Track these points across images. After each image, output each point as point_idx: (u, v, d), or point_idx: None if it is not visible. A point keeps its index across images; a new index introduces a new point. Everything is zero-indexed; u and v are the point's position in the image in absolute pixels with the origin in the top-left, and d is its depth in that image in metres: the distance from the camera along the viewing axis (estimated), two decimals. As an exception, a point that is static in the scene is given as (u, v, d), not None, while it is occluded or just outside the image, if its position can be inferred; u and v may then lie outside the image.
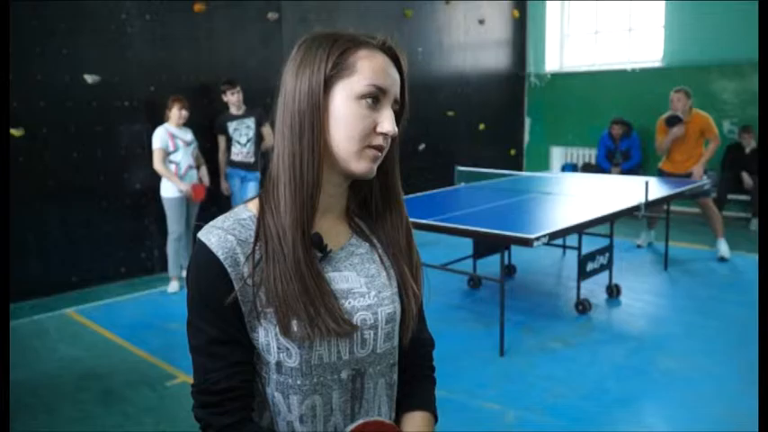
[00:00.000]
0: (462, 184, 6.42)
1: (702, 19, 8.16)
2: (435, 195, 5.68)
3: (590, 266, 4.69)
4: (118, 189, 5.83)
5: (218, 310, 0.98)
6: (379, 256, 1.11)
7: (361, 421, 1.05)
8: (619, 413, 3.33)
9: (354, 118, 0.99)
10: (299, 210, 0.99)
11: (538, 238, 3.78)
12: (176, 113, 5.37)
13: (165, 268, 5.76)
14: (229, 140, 6.02)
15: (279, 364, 1.00)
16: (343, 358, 1.02)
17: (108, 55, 5.64)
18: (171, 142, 5.34)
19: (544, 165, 9.77)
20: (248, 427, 1.00)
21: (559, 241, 5.46)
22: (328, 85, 0.99)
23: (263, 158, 6.06)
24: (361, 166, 1.01)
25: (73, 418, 3.39)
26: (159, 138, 5.32)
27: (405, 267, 1.12)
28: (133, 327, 4.72)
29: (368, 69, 0.99)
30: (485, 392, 3.57)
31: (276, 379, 1.02)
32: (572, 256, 5.84)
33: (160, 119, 5.52)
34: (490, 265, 5.00)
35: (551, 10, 9.93)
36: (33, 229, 5.21)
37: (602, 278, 5.00)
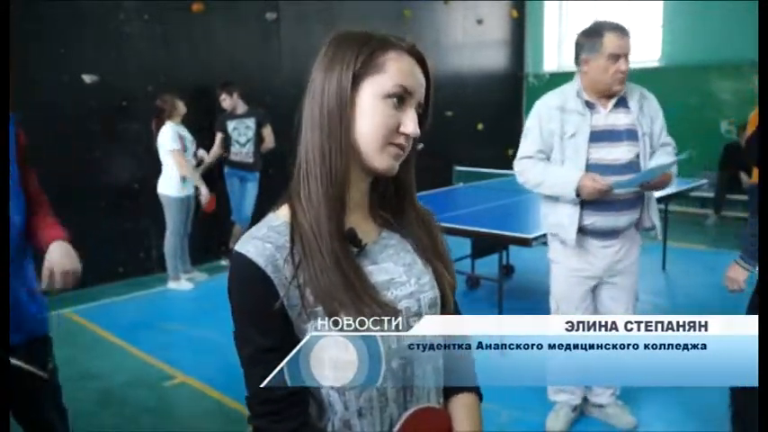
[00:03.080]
0: (460, 184, 6.43)
1: (700, 18, 8.17)
2: (433, 195, 5.68)
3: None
4: (115, 189, 5.82)
5: (266, 318, 0.99)
6: (411, 246, 1.14)
7: (412, 410, 1.07)
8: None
9: (379, 116, 1.02)
10: (332, 203, 1.02)
11: (536, 238, 3.77)
12: (183, 110, 5.37)
13: (163, 268, 5.75)
14: (227, 139, 6.01)
15: None
16: (393, 347, 1.03)
17: (106, 55, 5.63)
18: (180, 143, 5.32)
19: (542, 165, 9.76)
20: (310, 430, 1.03)
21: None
22: (356, 82, 1.01)
23: (262, 159, 6.05)
24: (383, 162, 1.04)
25: (70, 419, 3.39)
26: (172, 138, 5.28)
27: (435, 261, 1.14)
28: (131, 327, 4.71)
29: (396, 70, 1.02)
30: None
31: None
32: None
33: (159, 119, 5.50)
34: (488, 265, 4.99)
35: (549, 10, 9.94)
36: (31, 229, 5.19)
37: (601, 278, 4.99)
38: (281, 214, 1.06)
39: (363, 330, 0.98)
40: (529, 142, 2.85)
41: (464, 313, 4.10)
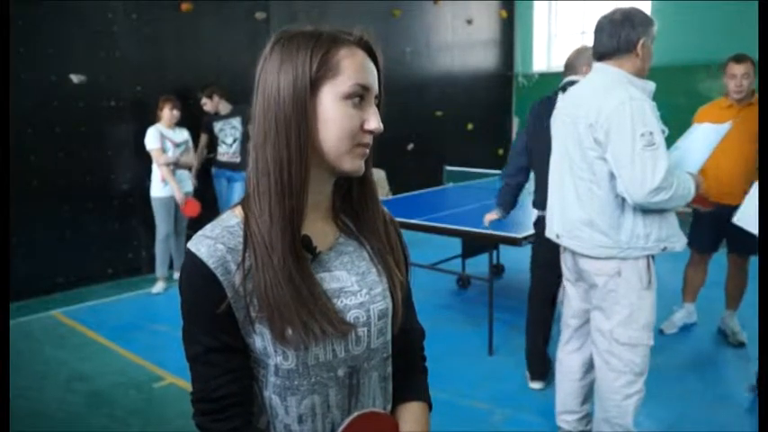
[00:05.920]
0: (451, 184, 6.44)
1: (688, 19, 8.22)
2: (424, 195, 5.68)
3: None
4: (104, 189, 5.79)
5: (212, 319, 0.98)
6: (368, 253, 1.11)
7: (355, 414, 1.06)
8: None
9: (343, 118, 0.99)
10: (288, 215, 0.98)
11: (526, 238, 3.79)
12: (167, 114, 5.36)
13: (152, 269, 5.73)
14: (213, 140, 6.00)
15: (276, 367, 1.01)
16: (339, 356, 1.03)
17: (94, 54, 5.60)
18: (159, 143, 5.31)
19: (532, 164, 9.78)
20: (249, 431, 1.02)
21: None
22: (314, 87, 0.98)
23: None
24: (352, 164, 1.02)
25: (59, 421, 3.37)
26: (152, 138, 5.30)
27: (389, 258, 1.12)
28: (120, 328, 4.70)
29: (351, 69, 0.99)
30: (473, 392, 3.58)
31: (274, 381, 1.02)
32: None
33: (147, 119, 5.49)
34: (479, 265, 5.01)
35: (539, 10, 9.96)
36: (19, 230, 5.16)
37: (590, 277, 5.00)
38: (238, 213, 1.04)
39: (307, 340, 0.98)
40: (662, 152, 2.33)
41: (455, 312, 4.11)
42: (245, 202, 1.04)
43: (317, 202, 1.06)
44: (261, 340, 1.00)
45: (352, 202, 1.12)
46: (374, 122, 1.01)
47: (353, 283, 1.07)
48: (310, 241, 1.03)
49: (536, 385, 3.61)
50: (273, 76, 0.99)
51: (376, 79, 1.03)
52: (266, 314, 0.97)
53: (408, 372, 1.20)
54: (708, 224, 4.02)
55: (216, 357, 0.99)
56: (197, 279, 0.98)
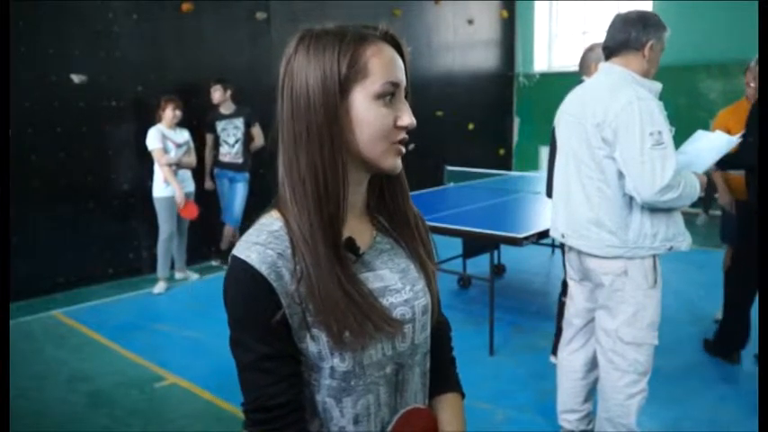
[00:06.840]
0: (451, 184, 6.43)
1: (689, 19, 8.21)
2: (424, 195, 5.67)
3: (579, 265, 4.69)
4: (105, 189, 5.79)
5: (266, 327, 0.95)
6: (404, 250, 1.11)
7: (402, 412, 1.07)
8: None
9: (376, 119, 0.97)
10: (328, 222, 0.97)
11: (527, 238, 3.78)
12: (170, 114, 5.36)
13: (152, 269, 5.72)
14: (217, 139, 6.00)
15: (332, 370, 1.00)
16: (387, 354, 1.03)
17: (95, 54, 5.60)
18: (161, 143, 5.31)
19: (533, 164, 9.79)
20: None
21: (548, 240, 5.48)
22: (343, 89, 0.96)
23: (253, 159, 6.03)
24: (389, 163, 1.01)
25: (60, 421, 3.36)
26: (154, 138, 5.30)
27: (421, 250, 1.12)
28: (121, 328, 4.69)
29: (380, 67, 0.97)
30: (474, 391, 3.55)
31: (329, 384, 1.01)
32: (561, 255, 5.84)
33: (148, 119, 5.49)
34: (480, 265, 5.00)
35: (540, 10, 9.96)
36: (19, 230, 5.16)
37: (591, 277, 4.99)
38: (276, 216, 1.02)
39: (364, 341, 0.98)
40: (670, 150, 2.33)
41: (457, 312, 4.12)
42: (281, 205, 1.01)
43: (354, 202, 1.05)
44: (315, 345, 0.98)
45: (385, 199, 1.11)
46: (407, 118, 0.99)
47: (397, 281, 1.07)
48: (354, 242, 1.02)
49: (555, 360, 3.68)
50: (301, 78, 0.97)
51: (404, 73, 1.01)
52: (322, 318, 0.96)
53: (441, 364, 1.20)
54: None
55: (270, 365, 0.97)
56: (249, 286, 0.95)
